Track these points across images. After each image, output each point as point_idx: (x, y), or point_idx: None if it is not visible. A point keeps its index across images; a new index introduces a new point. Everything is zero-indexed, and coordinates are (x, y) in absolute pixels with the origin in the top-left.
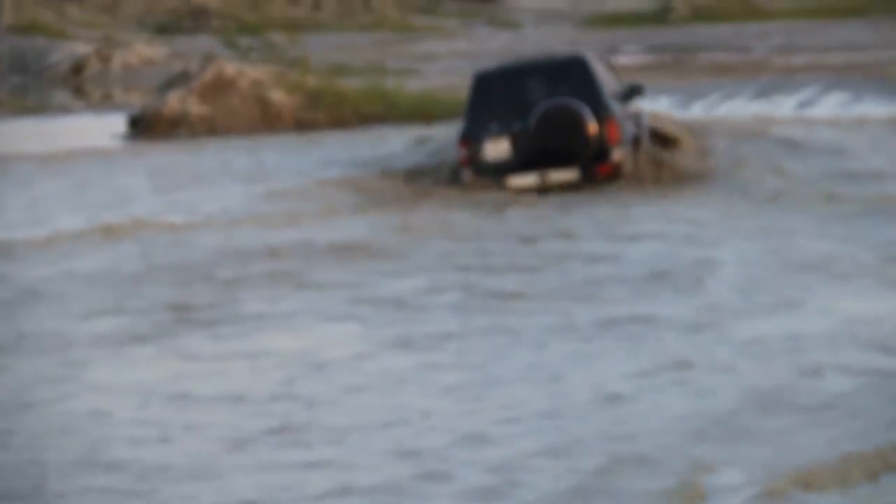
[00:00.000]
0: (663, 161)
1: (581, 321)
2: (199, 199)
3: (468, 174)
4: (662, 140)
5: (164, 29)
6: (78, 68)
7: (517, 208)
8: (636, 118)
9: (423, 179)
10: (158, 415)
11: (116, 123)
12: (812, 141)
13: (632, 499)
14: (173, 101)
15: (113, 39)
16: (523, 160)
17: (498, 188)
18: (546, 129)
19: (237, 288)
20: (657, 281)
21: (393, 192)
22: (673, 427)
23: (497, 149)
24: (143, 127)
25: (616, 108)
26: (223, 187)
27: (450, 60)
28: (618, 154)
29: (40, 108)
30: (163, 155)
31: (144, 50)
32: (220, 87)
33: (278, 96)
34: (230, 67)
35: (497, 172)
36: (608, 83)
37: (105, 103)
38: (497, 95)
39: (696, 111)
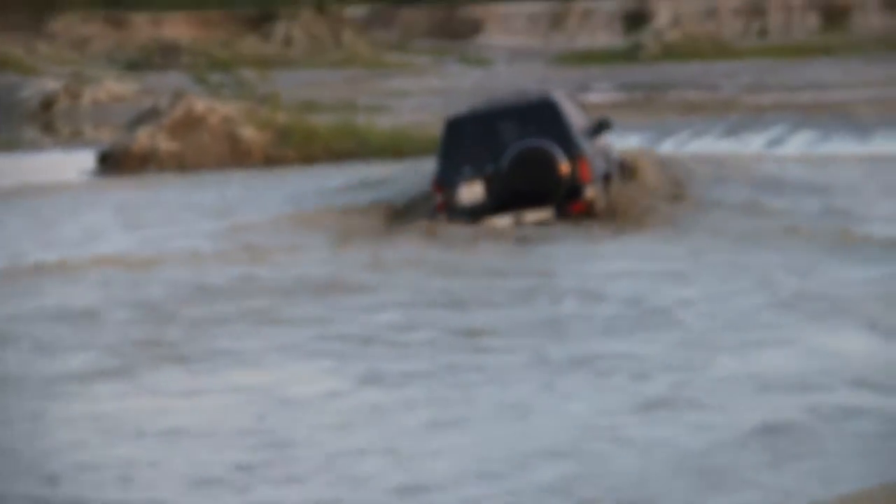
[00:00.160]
0: (635, 197)
1: (553, 358)
2: (165, 236)
3: (444, 218)
4: (630, 172)
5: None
6: (48, 104)
7: (488, 244)
8: (606, 153)
9: (394, 214)
10: (123, 451)
11: (86, 160)
12: (784, 178)
13: None
14: (143, 138)
15: (83, 75)
16: (498, 202)
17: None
18: (519, 170)
19: (205, 324)
20: (629, 318)
21: (363, 227)
22: (645, 468)
23: (471, 192)
24: (113, 163)
25: (586, 146)
26: (190, 224)
27: (421, 97)
28: (590, 192)
29: (10, 145)
30: (131, 191)
31: (114, 86)
32: (189, 124)
33: (248, 133)
34: (200, 104)
35: (472, 215)
36: (577, 121)
37: (74, 139)
38: (469, 139)
39: (667, 148)
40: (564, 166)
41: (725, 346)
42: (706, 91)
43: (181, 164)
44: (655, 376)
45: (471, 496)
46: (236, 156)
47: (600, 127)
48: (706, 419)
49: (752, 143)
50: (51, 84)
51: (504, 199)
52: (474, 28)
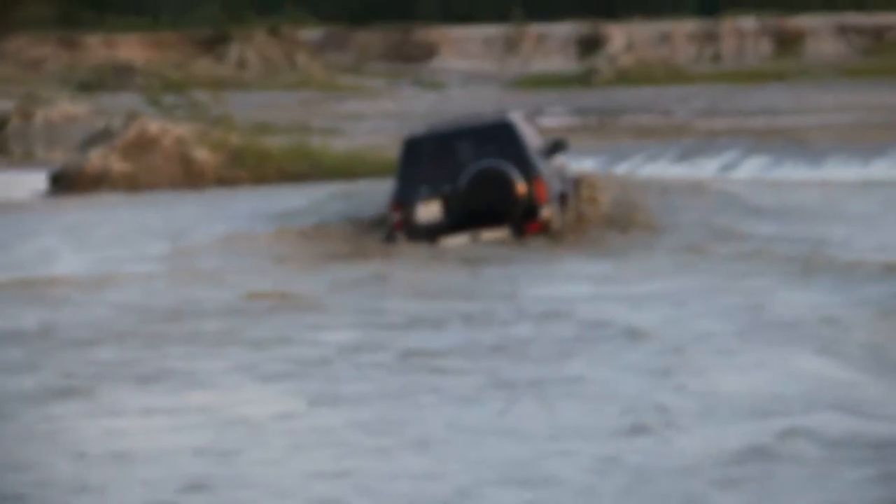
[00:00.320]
0: (591, 217)
1: (509, 380)
2: (117, 257)
3: (401, 237)
4: (586, 193)
5: (88, 86)
6: (0, 124)
7: (445, 264)
8: (562, 173)
9: (350, 233)
10: (73, 471)
11: (38, 180)
12: (738, 202)
13: None
14: (95, 159)
15: (35, 96)
16: (455, 221)
17: (428, 244)
18: (476, 190)
19: (158, 345)
20: (585, 340)
21: (318, 247)
22: (598, 490)
23: (429, 211)
24: (65, 184)
25: (543, 166)
26: (142, 245)
27: (376, 120)
28: (546, 212)
29: None
30: (83, 212)
31: (67, 107)
32: (143, 145)
33: (202, 154)
34: (154, 125)
35: (430, 234)
36: (534, 142)
37: (26, 160)
38: (427, 159)
39: (620, 172)
40: (521, 187)
41: (682, 369)
42: (660, 116)
43: (134, 185)
44: (611, 400)
45: None
46: (189, 177)
47: (556, 147)
48: (661, 444)
49: (706, 168)
50: (3, 104)
51: (461, 218)
52: (429, 51)
